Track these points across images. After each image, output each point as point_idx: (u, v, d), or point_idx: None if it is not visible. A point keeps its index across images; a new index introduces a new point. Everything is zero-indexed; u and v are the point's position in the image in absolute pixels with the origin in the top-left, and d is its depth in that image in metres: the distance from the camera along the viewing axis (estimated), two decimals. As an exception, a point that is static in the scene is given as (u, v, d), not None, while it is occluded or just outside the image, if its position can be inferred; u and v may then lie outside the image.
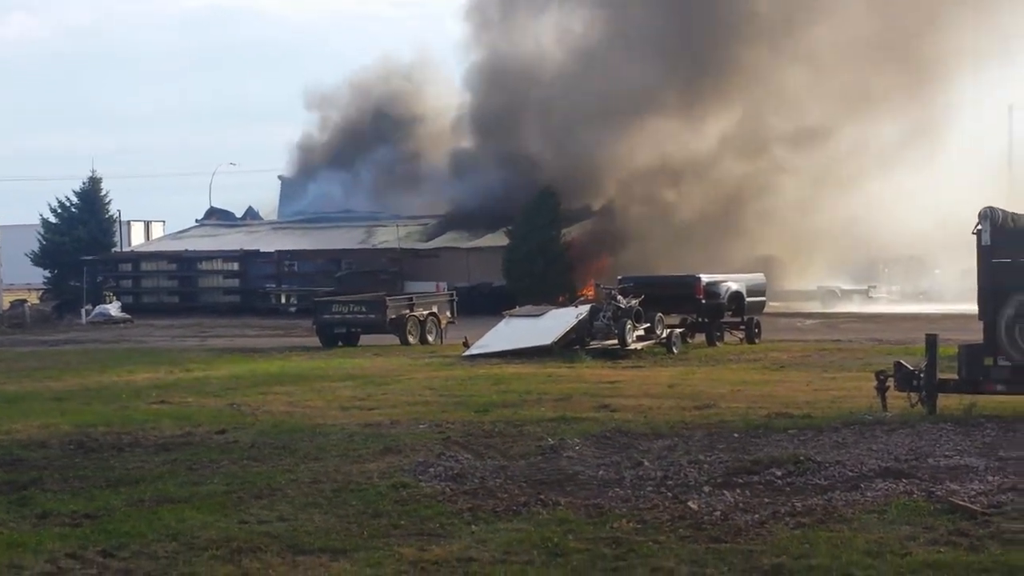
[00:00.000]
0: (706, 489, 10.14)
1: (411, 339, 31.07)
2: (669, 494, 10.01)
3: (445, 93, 62.34)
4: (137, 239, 65.74)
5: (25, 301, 52.16)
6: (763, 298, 32.17)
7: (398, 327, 31.15)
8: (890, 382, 14.71)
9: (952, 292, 41.86)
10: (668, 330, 27.83)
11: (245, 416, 15.96)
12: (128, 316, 46.47)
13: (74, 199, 58.02)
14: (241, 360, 26.76)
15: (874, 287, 51.83)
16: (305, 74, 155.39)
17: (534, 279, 45.37)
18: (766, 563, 7.86)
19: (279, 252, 53.75)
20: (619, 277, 30.53)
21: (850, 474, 10.62)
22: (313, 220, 60.87)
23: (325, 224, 59.65)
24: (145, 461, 12.32)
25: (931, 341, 14.85)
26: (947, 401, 14.72)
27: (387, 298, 32.66)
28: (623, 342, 26.35)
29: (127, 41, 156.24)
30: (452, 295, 35.03)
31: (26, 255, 55.92)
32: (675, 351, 26.98)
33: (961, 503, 9.25)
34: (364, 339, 31.63)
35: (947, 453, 11.63)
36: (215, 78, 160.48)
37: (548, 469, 11.36)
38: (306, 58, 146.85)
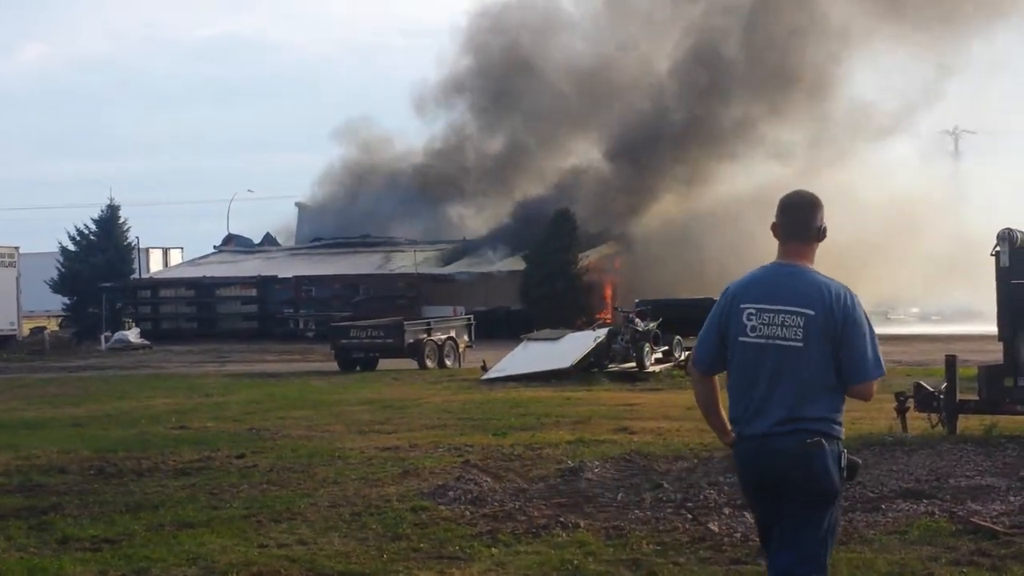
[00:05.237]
0: (726, 511, 10.10)
1: (429, 363, 31.10)
2: (689, 516, 9.97)
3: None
4: (155, 266, 65.96)
5: (44, 328, 52.40)
6: (781, 320, 32.12)
7: (416, 351, 31.20)
8: (910, 403, 14.65)
9: (971, 313, 41.73)
10: (686, 352, 27.78)
11: (264, 440, 15.97)
12: (147, 342, 46.60)
13: (92, 227, 58.28)
14: (260, 385, 26.80)
15: (892, 309, 51.73)
16: (318, 104, 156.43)
17: (551, 303, 45.34)
18: (787, 584, 7.81)
19: (297, 278, 53.88)
20: (636, 300, 30.52)
21: (871, 495, 10.56)
22: (330, 246, 61.01)
23: (342, 250, 59.79)
24: (164, 486, 12.33)
25: (950, 362, 14.81)
26: (967, 422, 14.65)
27: (405, 322, 32.70)
28: (641, 365, 26.32)
29: (142, 70, 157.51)
30: (470, 319, 35.05)
31: (45, 282, 56.15)
32: (693, 374, 26.96)
33: (983, 523, 9.20)
34: (382, 363, 31.67)
35: (968, 474, 11.57)
36: (230, 106, 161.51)
37: (567, 491, 11.32)
38: (319, 88, 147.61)
